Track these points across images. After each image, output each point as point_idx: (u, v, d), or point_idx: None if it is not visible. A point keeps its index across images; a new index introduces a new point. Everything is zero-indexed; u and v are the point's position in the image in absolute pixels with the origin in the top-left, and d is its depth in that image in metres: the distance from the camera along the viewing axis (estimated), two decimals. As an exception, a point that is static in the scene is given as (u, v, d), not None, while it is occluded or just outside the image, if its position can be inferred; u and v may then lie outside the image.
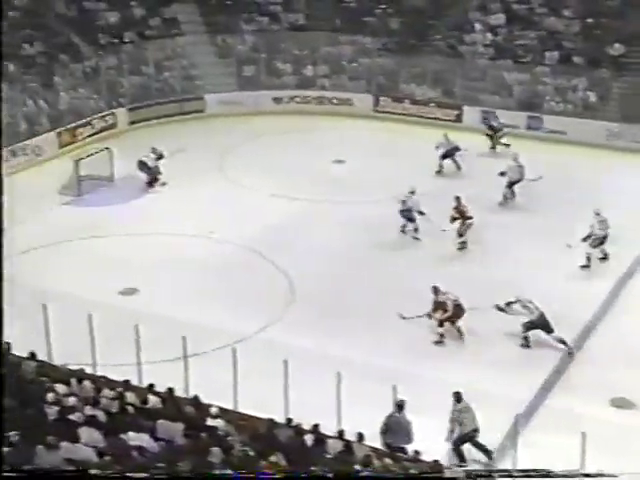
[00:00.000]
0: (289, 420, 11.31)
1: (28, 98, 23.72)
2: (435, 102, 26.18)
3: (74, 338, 13.43)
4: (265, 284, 16.90)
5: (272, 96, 26.80)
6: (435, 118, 25.86)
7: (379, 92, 26.85)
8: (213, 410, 11.47)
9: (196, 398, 11.75)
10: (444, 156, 22.12)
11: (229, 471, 9.35)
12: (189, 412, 11.44)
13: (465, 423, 11.91)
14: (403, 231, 18.68)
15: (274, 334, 15.06)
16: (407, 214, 18.51)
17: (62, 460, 9.97)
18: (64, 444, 10.23)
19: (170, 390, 11.89)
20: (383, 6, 28.35)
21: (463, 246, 18.04)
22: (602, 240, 17.07)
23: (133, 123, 25.55)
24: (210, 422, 11.19)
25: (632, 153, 22.99)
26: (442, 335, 14.91)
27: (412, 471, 9.99)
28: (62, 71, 25.05)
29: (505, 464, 11.53)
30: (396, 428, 11.62)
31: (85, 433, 10.64)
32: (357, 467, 9.95)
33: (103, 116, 24.98)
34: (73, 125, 24.08)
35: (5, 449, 10.03)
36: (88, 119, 24.54)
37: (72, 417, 11.03)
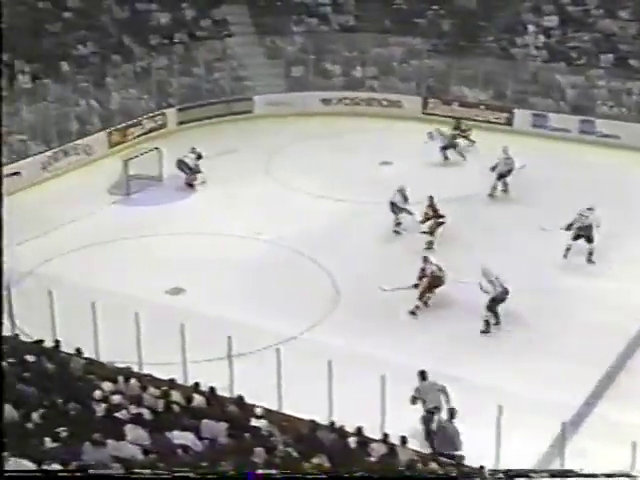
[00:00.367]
0: (332, 422, 11.34)
1: (80, 98, 24.09)
2: (485, 105, 26.01)
3: (121, 336, 13.62)
4: (309, 285, 16.97)
5: (320, 97, 26.88)
6: (485, 121, 25.70)
7: (428, 94, 26.77)
8: (257, 410, 11.56)
9: (240, 398, 11.85)
10: (444, 147, 22.58)
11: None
12: (233, 412, 11.54)
13: (428, 400, 12.33)
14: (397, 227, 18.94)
15: (318, 335, 15.12)
16: (394, 208, 18.81)
17: (108, 457, 10.15)
18: (110, 441, 10.40)
19: (212, 389, 12.01)
20: (434, 7, 28.26)
21: (430, 246, 18.13)
22: (580, 235, 17.17)
23: (182, 123, 25.84)
24: (254, 422, 11.28)
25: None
26: (418, 307, 15.73)
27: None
28: (114, 71, 25.43)
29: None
30: (443, 435, 11.59)
31: (131, 431, 10.80)
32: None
33: (153, 116, 25.31)
34: (123, 125, 24.43)
35: (53, 445, 10.27)
36: (138, 119, 24.88)
37: (118, 415, 11.21)
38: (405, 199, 18.92)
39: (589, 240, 17.30)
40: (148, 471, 8.39)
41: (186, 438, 10.75)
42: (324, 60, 27.86)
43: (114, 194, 21.37)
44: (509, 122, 25.56)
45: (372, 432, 11.19)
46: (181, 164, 21.74)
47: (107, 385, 12.09)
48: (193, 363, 13.30)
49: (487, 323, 15.28)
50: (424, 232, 18.24)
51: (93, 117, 24.21)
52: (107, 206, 20.78)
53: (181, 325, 12.93)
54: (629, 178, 21.35)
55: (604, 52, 25.75)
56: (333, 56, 27.89)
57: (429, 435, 12.23)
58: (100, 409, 11.37)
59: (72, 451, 10.12)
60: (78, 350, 13.03)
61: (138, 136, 24.56)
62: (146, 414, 11.28)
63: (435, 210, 18.36)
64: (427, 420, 12.30)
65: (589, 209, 17.27)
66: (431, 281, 15.82)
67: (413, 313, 15.75)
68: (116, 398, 11.73)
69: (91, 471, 8.76)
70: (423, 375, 12.65)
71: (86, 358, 13.07)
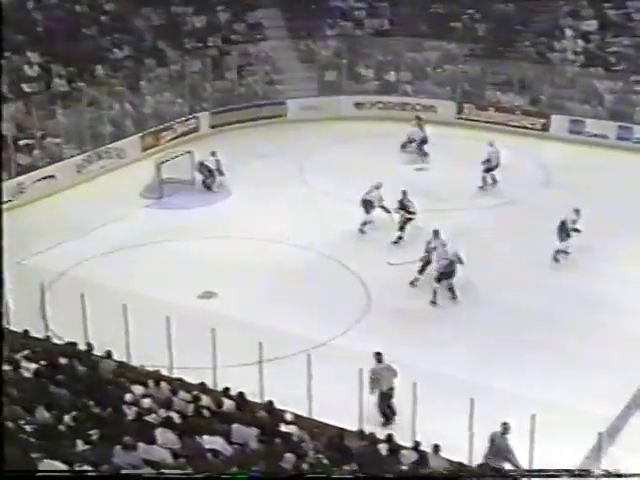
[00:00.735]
0: (362, 430, 11.35)
1: (115, 101, 24.35)
2: (521, 110, 25.87)
3: (152, 339, 13.75)
4: (341, 291, 17.01)
5: (354, 101, 26.91)
6: (521, 127, 25.58)
7: (463, 99, 26.69)
8: (287, 416, 11.60)
9: (271, 403, 11.90)
10: (422, 142, 23.06)
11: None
12: (263, 417, 11.59)
13: (383, 382, 12.81)
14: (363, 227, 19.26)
15: (349, 341, 15.14)
16: (367, 205, 19.15)
17: (139, 460, 10.24)
18: (141, 445, 10.49)
19: (241, 394, 12.07)
20: (470, 11, 28.18)
21: (398, 241, 18.54)
22: (570, 234, 17.63)
23: (215, 127, 26.01)
24: (284, 428, 11.31)
25: None
26: (417, 279, 16.83)
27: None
28: (148, 75, 25.66)
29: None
30: (495, 449, 11.53)
31: (161, 435, 10.89)
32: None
33: (186, 120, 25.50)
34: (156, 128, 24.64)
35: (85, 447, 10.38)
36: (171, 123, 25.09)
37: (149, 418, 11.30)
38: (381, 198, 19.26)
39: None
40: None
41: (216, 442, 10.81)
42: (358, 64, 27.89)
43: (146, 197, 21.57)
44: (545, 128, 25.40)
45: (403, 439, 11.17)
46: (202, 167, 21.90)
47: (138, 388, 12.20)
48: (223, 368, 13.38)
49: (434, 294, 16.21)
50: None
51: (127, 121, 24.45)
52: (139, 209, 20.98)
53: (212, 330, 13.01)
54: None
55: (645, 58, 25.55)
56: (367, 60, 27.91)
57: (385, 415, 12.81)
58: (131, 412, 11.46)
59: (103, 454, 10.23)
60: (109, 353, 13.17)
61: (171, 140, 24.76)
62: (176, 418, 11.36)
63: (405, 206, 18.65)
64: (383, 401, 12.84)
65: (576, 211, 17.70)
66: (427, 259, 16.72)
67: (413, 283, 16.78)
68: (146, 402, 11.83)
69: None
70: (379, 357, 13.05)
71: (117, 361, 13.20)
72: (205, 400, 11.94)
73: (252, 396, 12.39)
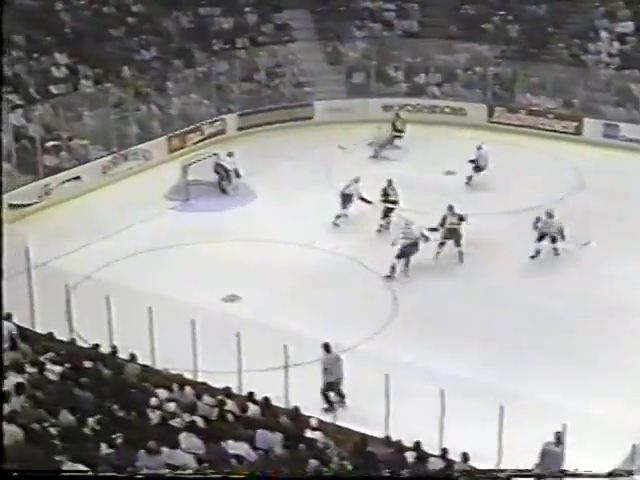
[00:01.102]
0: (389, 436, 11.34)
1: (141, 103, 24.54)
2: (553, 113, 25.72)
3: (176, 343, 13.85)
4: (367, 295, 17.02)
5: (382, 104, 26.88)
6: (553, 130, 25.43)
7: (494, 102, 26.59)
8: (313, 422, 11.62)
9: (296, 409, 11.93)
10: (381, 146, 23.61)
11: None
12: (288, 423, 11.62)
13: (332, 372, 13.24)
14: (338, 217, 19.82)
15: (375, 346, 15.14)
16: (345, 199, 19.72)
17: (162, 465, 10.30)
18: (165, 449, 10.55)
19: (266, 399, 12.11)
20: (502, 13, 28.07)
21: (381, 229, 19.21)
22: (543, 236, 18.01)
23: (242, 129, 26.11)
24: (309, 434, 11.33)
25: None
26: (438, 253, 17.90)
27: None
28: (175, 76, 25.82)
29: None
30: (548, 459, 11.46)
31: (185, 439, 10.95)
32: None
33: (213, 122, 25.62)
34: (183, 130, 24.78)
35: (109, 451, 10.47)
36: (198, 124, 25.22)
37: (173, 423, 11.37)
38: (359, 192, 19.75)
39: (553, 240, 18.03)
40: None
41: (240, 448, 10.85)
42: (387, 66, 27.87)
43: (172, 199, 21.70)
44: (578, 131, 25.23)
45: (430, 447, 11.15)
46: (218, 167, 21.99)
47: (162, 392, 12.28)
48: (248, 372, 13.43)
49: (392, 269, 17.27)
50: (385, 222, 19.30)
51: (153, 122, 24.62)
52: (165, 211, 21.11)
53: (237, 333, 13.07)
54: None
55: (683, 60, 25.32)
56: (396, 62, 27.87)
57: (330, 404, 13.20)
58: (155, 416, 11.54)
59: (127, 457, 10.30)
60: (133, 356, 13.27)
61: (197, 142, 24.88)
62: (200, 423, 11.42)
63: (387, 194, 19.22)
64: (331, 390, 13.31)
65: (549, 214, 17.94)
66: (445, 234, 17.75)
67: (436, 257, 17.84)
68: (171, 406, 11.91)
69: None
70: (327, 348, 13.44)
71: (142, 365, 13.29)
72: (230, 405, 11.99)
73: (277, 401, 12.43)
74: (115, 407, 11.61)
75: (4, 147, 20.93)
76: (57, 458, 10.04)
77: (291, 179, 22.09)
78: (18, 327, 13.89)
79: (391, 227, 19.17)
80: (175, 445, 10.71)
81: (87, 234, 19.27)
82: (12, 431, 10.20)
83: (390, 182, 19.57)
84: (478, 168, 21.76)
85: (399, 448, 10.97)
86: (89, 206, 21.05)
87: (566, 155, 23.66)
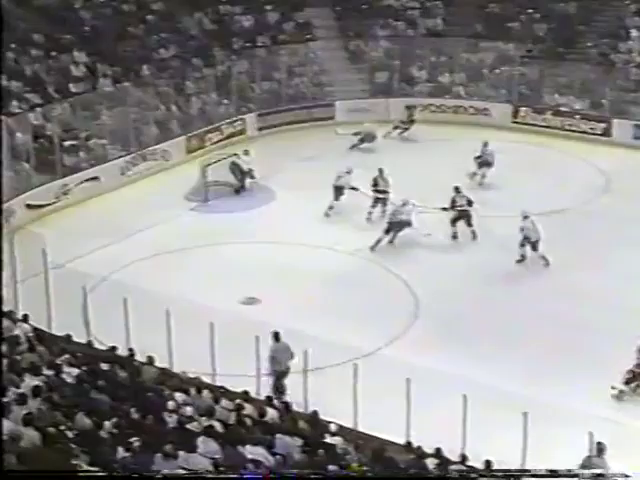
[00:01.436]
0: (410, 442, 11.34)
1: (160, 102, 24.66)
2: (581, 114, 25.59)
3: (194, 345, 13.93)
4: (388, 298, 17.03)
5: (405, 104, 26.84)
6: (580, 131, 25.30)
7: (519, 102, 26.49)
8: (332, 427, 11.64)
9: (315, 414, 11.95)
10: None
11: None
12: (307, 428, 11.64)
13: (280, 361, 13.45)
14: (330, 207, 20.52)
15: (397, 351, 15.15)
16: (338, 191, 20.39)
17: (179, 469, 10.35)
18: (182, 453, 10.61)
19: (286, 404, 12.14)
20: (529, 11, 27.97)
21: (369, 216, 19.99)
22: (524, 242, 17.95)
23: (262, 129, 26.17)
24: (328, 439, 11.35)
25: None
26: (455, 235, 19.06)
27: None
28: (194, 75, 25.92)
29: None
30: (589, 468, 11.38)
31: (202, 443, 11.00)
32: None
33: (232, 122, 25.70)
34: (202, 130, 24.87)
35: (125, 454, 10.54)
36: (217, 124, 25.30)
37: (190, 427, 11.43)
38: (349, 182, 20.43)
39: (534, 248, 17.90)
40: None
41: (258, 453, 10.88)
42: (410, 65, 27.84)
43: (191, 200, 21.80)
44: (607, 133, 25.08)
45: (452, 453, 11.14)
46: (234, 167, 22.06)
47: (179, 396, 12.34)
48: (267, 376, 13.47)
49: (378, 242, 18.50)
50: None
51: (172, 122, 24.74)
52: (184, 212, 21.21)
53: (255, 337, 13.11)
54: None
55: None
56: (419, 61, 27.84)
57: (277, 391, 13.41)
58: (172, 420, 11.60)
59: (144, 461, 10.36)
60: (150, 359, 13.35)
61: (217, 142, 24.97)
62: (218, 427, 11.47)
63: (376, 184, 20.08)
64: (277, 379, 13.53)
65: (525, 217, 17.92)
66: (458, 214, 18.76)
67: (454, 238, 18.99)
68: (188, 409, 11.97)
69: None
70: (277, 337, 13.65)
71: (159, 367, 13.37)
72: (248, 409, 12.03)
73: (296, 405, 12.46)
74: (132, 410, 11.68)
75: (22, 146, 21.17)
76: (73, 462, 10.11)
77: (311, 180, 22.10)
78: (35, 329, 14.01)
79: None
80: (192, 449, 10.76)
81: (105, 235, 19.39)
82: (29, 434, 10.29)
83: (381, 171, 20.27)
84: (483, 164, 21.89)
85: (419, 454, 10.96)
86: (107, 207, 21.18)
87: (594, 157, 23.55)
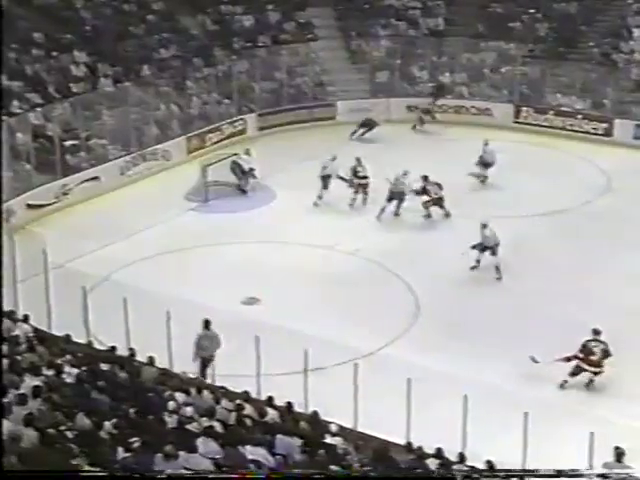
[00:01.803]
0: (410, 442, 11.36)
1: (161, 102, 24.68)
2: (583, 114, 25.60)
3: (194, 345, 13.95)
4: (389, 299, 17.05)
5: (406, 104, 26.87)
6: (582, 131, 25.32)
7: (521, 102, 26.50)
8: (332, 427, 11.65)
9: (315, 414, 11.96)
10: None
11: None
12: (307, 428, 11.65)
13: (206, 348, 13.83)
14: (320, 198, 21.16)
15: (397, 351, 15.17)
16: (326, 180, 20.99)
17: (180, 469, 10.36)
18: (182, 453, 10.63)
19: (289, 405, 12.16)
20: (530, 11, 27.97)
21: (352, 203, 20.97)
22: (484, 248, 17.81)
23: (263, 129, 26.19)
24: (329, 440, 11.37)
25: None
26: (429, 215, 20.07)
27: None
28: (195, 75, 25.94)
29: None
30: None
31: (203, 444, 11.02)
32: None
33: (233, 121, 25.72)
34: (203, 130, 24.89)
35: (125, 455, 10.56)
36: (218, 124, 25.31)
37: (190, 427, 11.44)
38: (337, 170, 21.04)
39: (493, 253, 17.80)
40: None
41: (259, 453, 10.90)
42: (411, 65, 27.87)
43: (192, 200, 21.81)
44: (608, 133, 25.10)
45: (452, 454, 11.16)
46: (235, 166, 22.08)
47: (179, 396, 12.36)
48: (267, 376, 13.50)
49: (382, 210, 19.66)
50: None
51: (172, 122, 24.76)
52: (184, 212, 21.24)
53: (256, 337, 13.14)
54: None
55: None
56: (421, 61, 27.86)
57: (204, 376, 13.80)
58: (172, 420, 11.62)
59: (144, 462, 10.38)
60: (151, 359, 13.37)
61: (217, 142, 24.99)
62: (218, 427, 11.49)
63: (356, 171, 20.92)
64: (204, 366, 13.94)
65: (484, 226, 17.81)
66: (431, 200, 19.84)
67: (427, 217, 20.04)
68: (188, 410, 11.98)
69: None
70: (207, 324, 13.98)
71: (159, 368, 13.39)
72: (248, 409, 12.05)
73: (297, 406, 12.47)
74: (132, 411, 11.70)
75: (22, 146, 21.20)
76: (73, 462, 10.13)
77: (312, 180, 22.11)
78: (35, 329, 14.04)
79: (369, 204, 20.72)
80: (192, 450, 10.78)
81: (105, 235, 19.42)
82: (29, 434, 10.31)
83: (359, 160, 21.05)
84: (485, 165, 21.93)
85: (420, 455, 10.98)
86: (107, 207, 21.21)
87: (595, 157, 23.59)
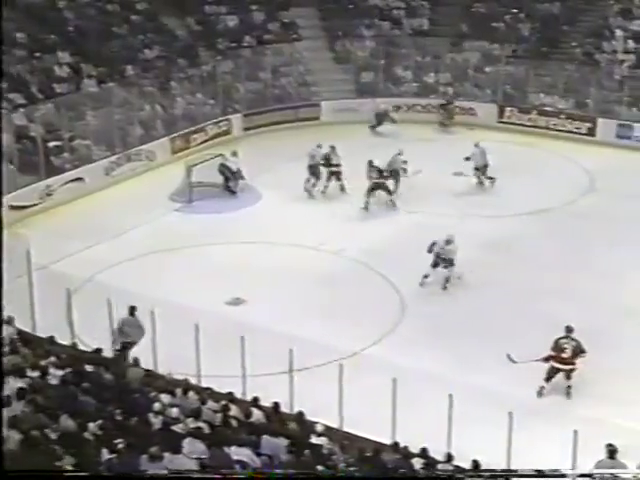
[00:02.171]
0: (396, 442, 11.36)
1: (145, 103, 24.59)
2: (566, 114, 25.72)
3: (179, 347, 13.89)
4: (374, 299, 17.05)
5: (390, 104, 26.91)
6: (565, 131, 25.43)
7: (505, 102, 26.59)
8: (318, 427, 11.65)
9: (301, 414, 11.95)
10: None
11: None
12: (293, 428, 11.64)
13: (127, 334, 14.15)
14: (307, 189, 21.58)
15: (382, 351, 15.17)
16: (314, 169, 21.39)
17: (165, 470, 10.33)
18: (167, 455, 10.59)
19: (276, 405, 12.13)
20: (514, 11, 28.09)
21: (325, 190, 21.49)
22: (438, 262, 17.33)
23: (247, 130, 26.16)
24: (314, 440, 11.36)
25: None
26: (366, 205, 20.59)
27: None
28: (179, 75, 25.87)
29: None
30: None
31: (188, 445, 10.98)
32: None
33: (217, 122, 25.68)
34: (187, 131, 24.85)
35: (110, 456, 10.52)
36: (202, 125, 25.27)
37: (176, 428, 11.41)
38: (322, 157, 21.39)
39: (446, 267, 17.39)
40: None
41: (244, 454, 10.88)
42: (395, 65, 27.91)
43: (176, 201, 21.76)
44: (591, 132, 25.23)
45: (437, 453, 11.17)
46: (223, 168, 22.05)
47: (165, 397, 12.31)
48: (252, 377, 13.47)
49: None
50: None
51: (157, 122, 24.68)
52: (168, 213, 21.18)
53: (241, 337, 13.11)
54: None
55: (699, 59, 25.25)
56: (405, 61, 27.91)
57: (125, 360, 13.85)
58: (158, 422, 11.58)
59: (129, 463, 10.34)
60: (136, 360, 13.32)
61: (202, 142, 24.94)
62: (204, 428, 11.46)
63: (328, 159, 21.32)
64: (123, 348, 14.17)
65: (448, 241, 17.29)
66: (372, 185, 20.36)
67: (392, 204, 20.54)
68: (174, 411, 11.94)
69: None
70: (132, 311, 14.23)
71: (144, 369, 13.34)
72: (234, 410, 12.02)
73: (282, 406, 12.45)
74: (117, 412, 11.65)
75: (5, 148, 21.07)
76: (57, 464, 10.08)
77: (297, 180, 22.12)
78: (19, 331, 13.95)
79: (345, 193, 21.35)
80: (178, 451, 10.75)
81: (89, 236, 19.34)
82: (12, 436, 10.25)
83: (333, 148, 21.38)
84: (477, 167, 21.74)
85: (406, 454, 10.98)
86: (91, 208, 21.12)
87: (578, 156, 23.70)
